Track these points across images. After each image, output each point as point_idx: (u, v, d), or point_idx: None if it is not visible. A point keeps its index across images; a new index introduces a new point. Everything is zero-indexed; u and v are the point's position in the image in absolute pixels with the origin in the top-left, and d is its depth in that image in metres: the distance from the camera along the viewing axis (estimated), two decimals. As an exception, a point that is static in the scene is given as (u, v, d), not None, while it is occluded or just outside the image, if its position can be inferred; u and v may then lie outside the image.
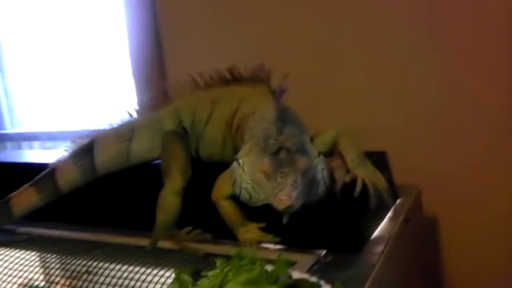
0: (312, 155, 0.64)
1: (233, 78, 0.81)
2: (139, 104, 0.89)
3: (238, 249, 0.54)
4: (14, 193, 0.86)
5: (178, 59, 1.20)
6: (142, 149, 0.86)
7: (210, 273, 0.53)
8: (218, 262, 0.54)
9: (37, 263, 0.82)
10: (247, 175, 0.64)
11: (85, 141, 0.87)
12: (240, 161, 0.66)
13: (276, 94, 0.68)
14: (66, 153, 0.88)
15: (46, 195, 0.85)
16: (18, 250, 0.84)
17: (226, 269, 0.52)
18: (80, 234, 0.87)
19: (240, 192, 0.66)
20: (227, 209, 0.71)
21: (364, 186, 0.69)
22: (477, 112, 0.96)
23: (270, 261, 0.53)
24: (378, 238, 0.70)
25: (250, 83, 0.78)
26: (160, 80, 1.20)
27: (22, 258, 0.81)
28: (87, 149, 0.86)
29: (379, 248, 0.67)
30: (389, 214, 0.78)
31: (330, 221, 0.69)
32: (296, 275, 0.55)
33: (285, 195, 0.59)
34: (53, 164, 0.87)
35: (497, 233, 0.97)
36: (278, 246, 0.69)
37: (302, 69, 1.00)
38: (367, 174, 0.70)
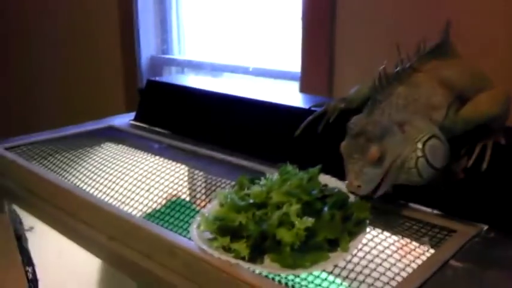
0: (410, 142, 0.61)
1: None
2: None
3: (283, 165, 0.67)
4: None
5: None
6: None
7: (262, 182, 0.64)
8: (267, 174, 0.67)
9: (185, 178, 0.89)
10: None
11: None
12: None
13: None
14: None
15: None
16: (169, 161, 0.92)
17: (273, 180, 0.64)
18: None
19: None
20: None
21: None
22: None
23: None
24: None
25: None
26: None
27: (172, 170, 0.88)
28: None
29: (547, 236, 0.63)
30: None
31: (497, 197, 0.66)
32: (330, 181, 0.66)
33: (348, 181, 0.60)
34: None
35: None
36: (437, 212, 0.69)
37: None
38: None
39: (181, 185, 0.85)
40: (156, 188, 0.84)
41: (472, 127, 0.68)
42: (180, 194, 0.85)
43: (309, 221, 0.54)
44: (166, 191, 0.84)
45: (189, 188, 0.88)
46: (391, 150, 0.60)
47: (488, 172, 0.67)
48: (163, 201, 0.82)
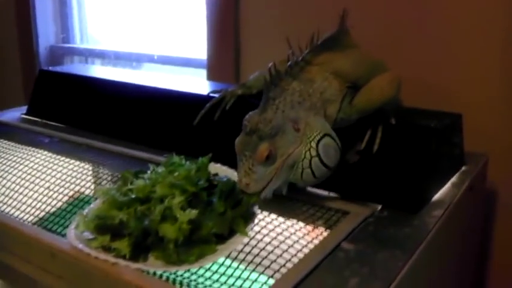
0: (304, 141, 0.59)
1: None
2: None
3: (168, 157, 0.64)
4: None
5: None
6: None
7: (147, 175, 0.61)
8: (151, 167, 0.63)
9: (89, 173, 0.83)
10: None
11: None
12: None
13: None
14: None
15: None
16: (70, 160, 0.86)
17: (159, 173, 0.61)
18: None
19: None
20: None
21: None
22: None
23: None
24: (438, 202, 0.67)
25: None
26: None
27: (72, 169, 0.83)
28: None
29: (438, 212, 0.65)
30: (452, 180, 0.74)
31: (390, 177, 0.67)
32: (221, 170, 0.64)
33: (238, 179, 0.57)
34: None
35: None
36: (333, 195, 0.68)
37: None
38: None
39: (83, 179, 0.79)
40: (50, 189, 0.77)
41: (368, 114, 0.68)
42: (82, 189, 0.78)
43: (193, 213, 0.51)
44: (64, 190, 0.76)
45: (92, 183, 0.80)
46: (283, 148, 0.58)
47: (380, 153, 0.67)
48: (65, 198, 0.75)
